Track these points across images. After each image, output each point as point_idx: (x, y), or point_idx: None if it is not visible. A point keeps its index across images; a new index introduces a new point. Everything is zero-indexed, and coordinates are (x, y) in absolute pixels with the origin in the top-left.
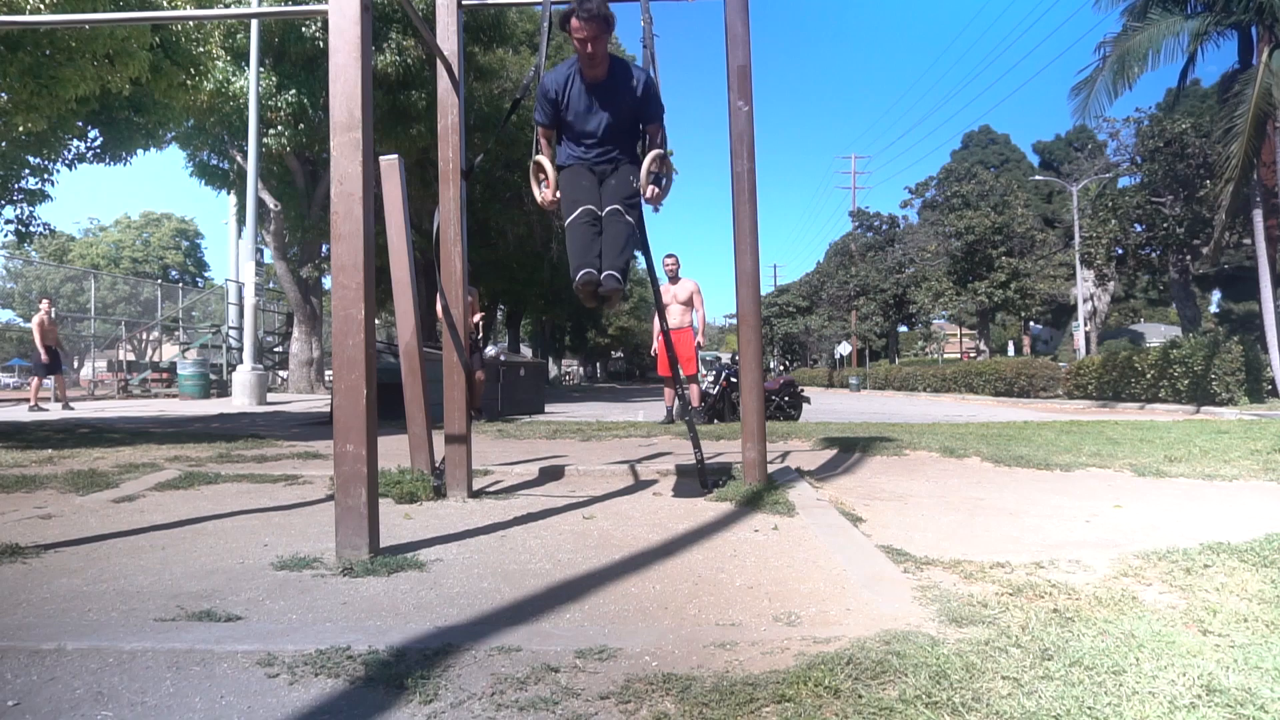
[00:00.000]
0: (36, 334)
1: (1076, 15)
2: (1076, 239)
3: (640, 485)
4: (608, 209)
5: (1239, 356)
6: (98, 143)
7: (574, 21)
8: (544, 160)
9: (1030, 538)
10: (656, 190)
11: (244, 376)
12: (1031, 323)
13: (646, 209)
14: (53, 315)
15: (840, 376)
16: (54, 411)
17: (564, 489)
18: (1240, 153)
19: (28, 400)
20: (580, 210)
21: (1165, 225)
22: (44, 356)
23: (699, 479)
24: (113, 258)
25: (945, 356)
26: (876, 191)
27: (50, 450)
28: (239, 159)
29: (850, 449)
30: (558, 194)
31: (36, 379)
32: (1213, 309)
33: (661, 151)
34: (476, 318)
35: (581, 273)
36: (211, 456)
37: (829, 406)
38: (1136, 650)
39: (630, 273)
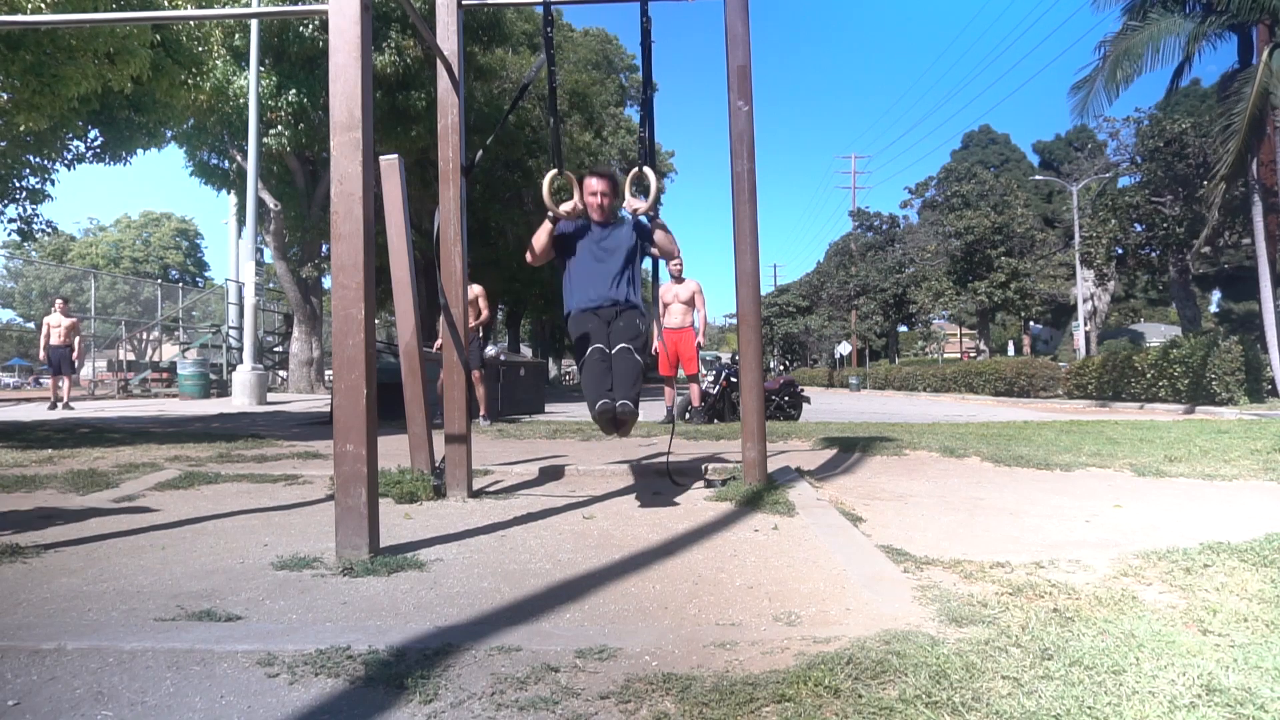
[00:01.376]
0: (63, 335)
1: (1076, 15)
2: (1076, 239)
3: (640, 485)
4: (617, 347)
5: (1239, 356)
6: (98, 142)
7: (590, 181)
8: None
9: (1030, 538)
10: (642, 205)
11: (244, 376)
12: (1031, 323)
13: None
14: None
15: (840, 376)
16: (57, 411)
17: (564, 489)
18: (1235, 151)
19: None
20: (591, 349)
21: (1165, 225)
22: (75, 358)
23: (669, 478)
24: (113, 258)
25: (945, 356)
26: (876, 191)
27: (50, 450)
28: (239, 159)
29: (850, 449)
30: (579, 206)
31: (67, 379)
32: (1213, 309)
33: (639, 170)
34: (484, 316)
35: (598, 404)
36: (211, 456)
37: (829, 406)
38: (1136, 650)
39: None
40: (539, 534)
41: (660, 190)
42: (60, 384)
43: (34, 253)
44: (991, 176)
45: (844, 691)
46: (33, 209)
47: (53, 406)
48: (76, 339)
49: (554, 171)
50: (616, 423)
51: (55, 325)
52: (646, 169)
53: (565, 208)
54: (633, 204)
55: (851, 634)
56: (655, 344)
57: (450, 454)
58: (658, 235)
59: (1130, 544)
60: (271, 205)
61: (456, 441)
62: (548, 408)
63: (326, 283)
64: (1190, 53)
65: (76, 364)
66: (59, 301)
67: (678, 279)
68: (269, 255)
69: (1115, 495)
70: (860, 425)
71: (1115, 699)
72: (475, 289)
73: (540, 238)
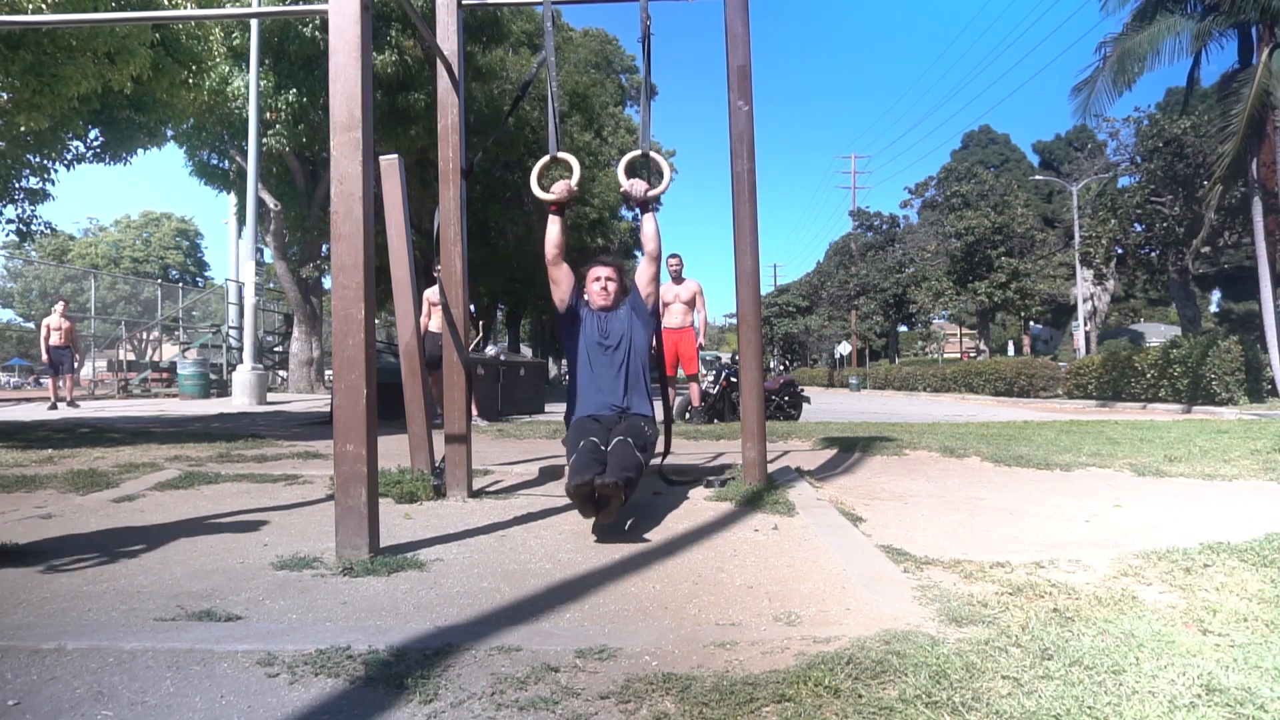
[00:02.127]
0: (63, 336)
1: (1076, 15)
2: (1076, 239)
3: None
4: (615, 440)
5: (1239, 356)
6: (98, 142)
7: (596, 269)
8: (566, 155)
9: (1030, 537)
10: (648, 185)
11: (244, 376)
12: (1031, 323)
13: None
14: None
15: (840, 376)
16: (61, 409)
17: (564, 489)
18: (1233, 152)
19: (29, 400)
20: (584, 441)
21: (1165, 225)
22: (77, 357)
23: (668, 478)
24: (113, 258)
25: (945, 356)
26: (876, 191)
27: (50, 450)
28: (239, 159)
29: (850, 449)
30: (574, 189)
31: (68, 377)
32: (1213, 309)
33: (643, 152)
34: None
35: (575, 480)
36: (211, 456)
37: (829, 406)
38: (1136, 650)
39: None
40: (539, 534)
41: (668, 181)
42: (61, 384)
43: (34, 253)
44: (991, 176)
45: (844, 691)
46: (31, 209)
47: (53, 407)
48: (75, 341)
49: (542, 161)
50: (597, 502)
51: (56, 327)
52: (656, 155)
53: (557, 188)
54: (638, 186)
55: (851, 634)
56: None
57: (450, 454)
58: (647, 226)
59: (1130, 544)
60: (271, 205)
61: (456, 441)
62: (548, 408)
63: (326, 283)
64: (1197, 49)
65: (77, 363)
66: (60, 303)
67: (678, 279)
68: (269, 255)
69: (1115, 495)
70: (860, 425)
71: (1115, 699)
72: (431, 293)
73: (551, 232)
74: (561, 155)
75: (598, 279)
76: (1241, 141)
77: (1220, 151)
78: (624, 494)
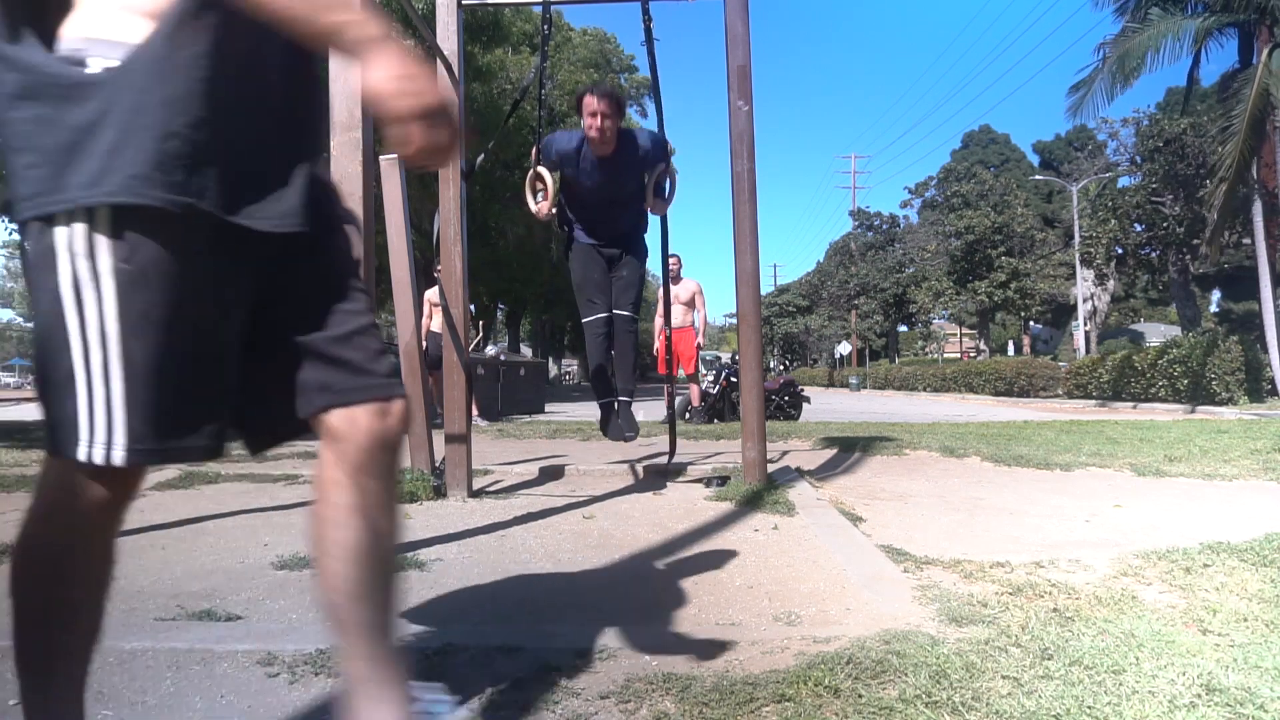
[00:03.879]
0: None
1: (1077, 15)
2: (1076, 239)
3: (640, 485)
4: (619, 315)
5: (1239, 356)
6: None
7: (588, 99)
8: (543, 171)
9: (1030, 537)
10: (660, 201)
11: None
12: (1031, 323)
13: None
14: None
15: (840, 376)
16: None
17: (564, 488)
18: (1235, 153)
19: (29, 400)
20: (595, 318)
21: (1165, 225)
22: None
23: (669, 478)
24: None
25: (945, 356)
26: (876, 191)
27: None
28: None
29: (850, 449)
30: (553, 209)
31: None
32: (1213, 309)
33: (665, 165)
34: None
35: (603, 403)
36: None
37: (829, 406)
38: (1136, 650)
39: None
40: (539, 534)
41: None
42: None
43: None
44: (991, 176)
45: (844, 691)
46: None
47: None
48: None
49: (530, 174)
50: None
51: None
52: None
53: (540, 208)
54: (654, 205)
55: (851, 634)
56: (655, 344)
57: (450, 454)
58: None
59: (1130, 544)
60: None
61: (456, 441)
62: (548, 408)
63: None
64: (1196, 53)
65: None
66: None
67: (675, 279)
68: None
69: (1115, 495)
70: (860, 425)
71: (1115, 699)
72: (432, 293)
73: (539, 167)
74: (540, 169)
75: (593, 114)
76: (1243, 142)
77: (1223, 152)
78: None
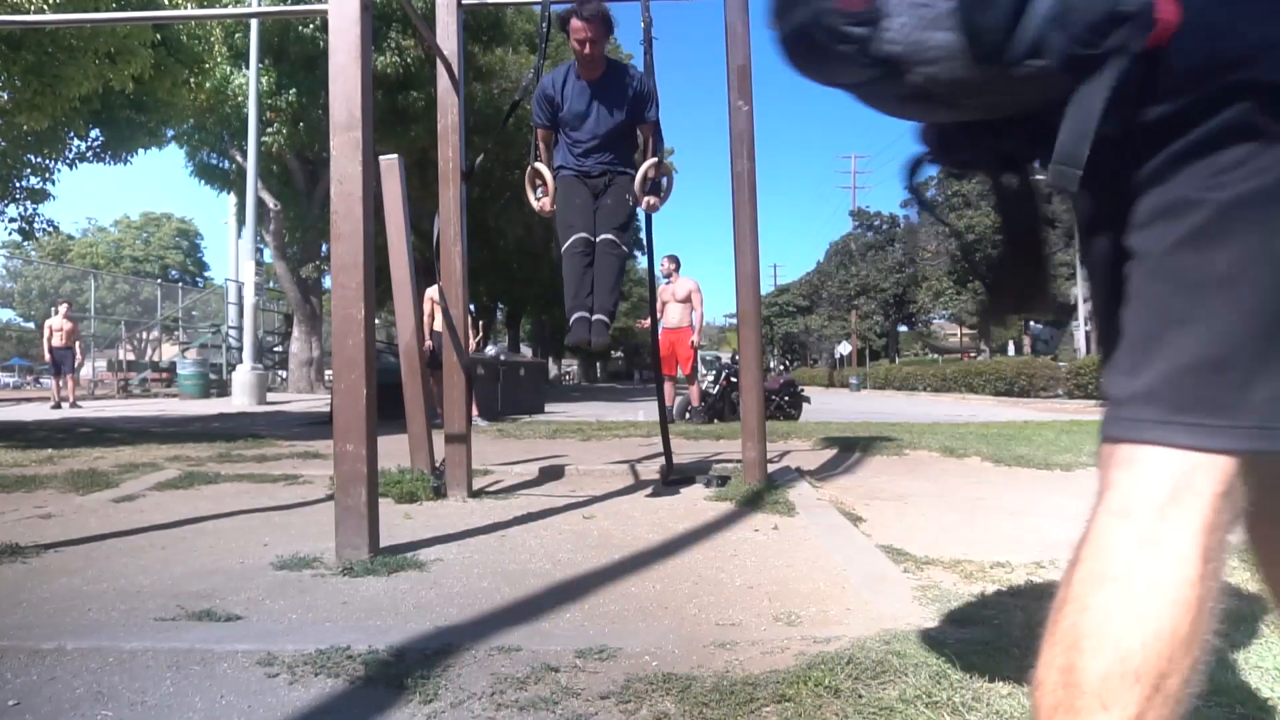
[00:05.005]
0: (65, 337)
1: None
2: (1077, 239)
3: (640, 485)
4: (601, 238)
5: None
6: (99, 142)
7: (574, 22)
8: (542, 168)
9: (1031, 537)
10: (655, 200)
11: (244, 376)
12: (1031, 323)
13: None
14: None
15: (840, 376)
16: (63, 409)
17: (564, 489)
18: None
19: (29, 400)
20: (575, 239)
21: None
22: (78, 357)
23: (662, 477)
24: (113, 258)
25: (945, 357)
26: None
27: (50, 450)
28: (239, 159)
29: (850, 449)
30: (554, 206)
31: (69, 377)
32: None
33: (658, 159)
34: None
35: (574, 317)
36: (211, 456)
37: (829, 406)
38: None
39: (629, 272)
40: (539, 534)
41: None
42: (63, 384)
43: (33, 253)
44: None
45: (844, 691)
46: (33, 208)
47: (56, 406)
48: (76, 342)
49: (529, 171)
50: (591, 347)
51: (58, 328)
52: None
53: (541, 205)
54: (648, 201)
55: (851, 634)
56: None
57: (450, 454)
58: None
59: None
60: (271, 205)
61: (456, 441)
62: (548, 408)
63: (326, 283)
64: None
65: (78, 363)
66: (63, 305)
67: (672, 276)
68: (269, 255)
69: None
70: (860, 425)
71: None
72: (433, 291)
73: (538, 162)
74: (538, 165)
75: (579, 40)
76: None
77: None
78: (607, 341)
